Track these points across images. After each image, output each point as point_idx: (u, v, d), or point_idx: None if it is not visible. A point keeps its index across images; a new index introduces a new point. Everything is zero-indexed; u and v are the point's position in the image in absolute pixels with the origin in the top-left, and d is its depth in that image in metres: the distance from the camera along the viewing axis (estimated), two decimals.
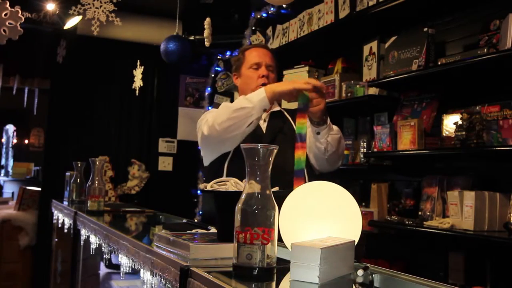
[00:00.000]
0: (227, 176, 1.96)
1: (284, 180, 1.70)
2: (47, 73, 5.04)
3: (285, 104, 2.27)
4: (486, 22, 2.37)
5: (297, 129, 1.74)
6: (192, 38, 4.49)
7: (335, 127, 2.04)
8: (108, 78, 4.94)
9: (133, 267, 1.52)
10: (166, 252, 1.25)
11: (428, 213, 2.62)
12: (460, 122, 2.37)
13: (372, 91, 3.00)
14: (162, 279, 1.23)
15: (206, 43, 3.83)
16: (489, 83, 2.52)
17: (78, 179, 3.07)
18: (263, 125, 2.10)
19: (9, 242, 4.45)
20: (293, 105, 2.28)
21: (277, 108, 2.18)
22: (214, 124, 1.90)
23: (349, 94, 3.12)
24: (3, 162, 7.81)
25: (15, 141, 7.83)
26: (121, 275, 1.63)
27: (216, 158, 2.05)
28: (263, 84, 2.07)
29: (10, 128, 7.84)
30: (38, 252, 4.46)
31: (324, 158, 2.01)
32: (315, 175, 2.06)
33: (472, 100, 2.47)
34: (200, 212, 4.89)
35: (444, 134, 2.58)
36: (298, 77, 3.60)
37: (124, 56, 4.81)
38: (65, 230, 2.82)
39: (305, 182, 1.99)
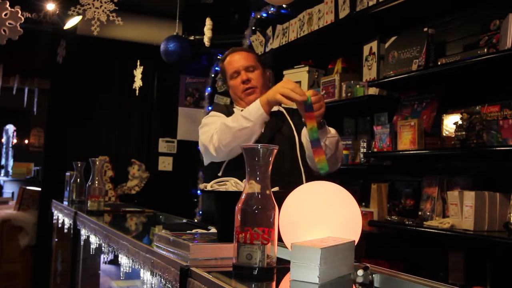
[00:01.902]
0: (223, 175, 1.96)
1: (281, 180, 1.70)
2: (47, 73, 5.04)
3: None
4: (486, 22, 2.37)
5: (310, 136, 1.74)
6: (192, 38, 4.49)
7: (332, 130, 2.02)
8: (108, 78, 4.93)
9: (133, 267, 1.52)
10: (166, 252, 1.25)
11: (428, 213, 2.62)
12: (460, 122, 2.37)
13: (372, 91, 3.00)
14: (162, 279, 1.23)
15: (206, 43, 3.83)
16: (489, 83, 2.52)
17: (78, 179, 3.07)
18: None
19: (9, 242, 4.45)
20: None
21: (275, 108, 2.17)
22: (220, 146, 1.93)
23: (349, 94, 3.12)
24: (3, 162, 7.81)
25: (15, 141, 7.84)
26: (121, 275, 1.63)
27: None
28: (248, 89, 2.09)
29: (10, 128, 7.85)
30: (38, 252, 4.46)
31: None
32: (314, 176, 2.06)
33: (472, 100, 2.47)
34: (200, 212, 4.89)
35: (444, 134, 2.58)
36: (298, 77, 3.60)
37: (124, 56, 4.81)
38: (65, 230, 2.82)
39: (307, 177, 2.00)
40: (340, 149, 2.07)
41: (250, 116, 1.88)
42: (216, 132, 1.95)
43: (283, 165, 1.97)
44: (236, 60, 2.13)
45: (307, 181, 1.96)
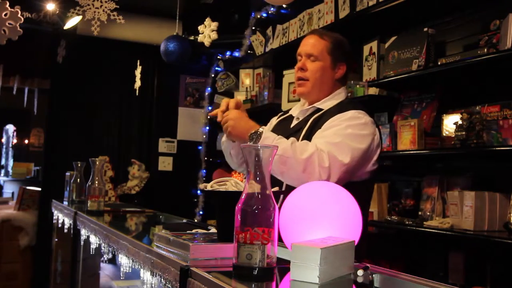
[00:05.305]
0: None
1: (280, 182, 1.70)
2: (47, 73, 5.04)
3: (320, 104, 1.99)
4: (486, 22, 2.37)
5: None
6: (192, 38, 4.48)
7: (281, 146, 1.63)
8: (108, 78, 4.93)
9: (133, 267, 1.52)
10: (166, 252, 1.25)
11: (428, 213, 2.62)
12: (460, 122, 2.37)
13: (372, 91, 2.99)
14: (162, 279, 1.23)
15: (206, 43, 3.82)
16: (489, 83, 2.52)
17: (78, 179, 3.07)
18: (294, 122, 2.01)
19: (9, 242, 4.45)
20: (327, 105, 2.03)
21: (297, 112, 2.05)
22: None
23: (349, 94, 3.11)
24: (3, 162, 7.81)
25: (15, 141, 7.83)
26: (121, 275, 1.63)
27: None
28: (299, 79, 1.98)
29: (10, 128, 7.84)
30: (38, 252, 4.46)
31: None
32: None
33: (472, 100, 2.47)
34: (200, 212, 4.89)
35: (444, 134, 2.58)
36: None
37: (124, 56, 4.81)
38: (65, 230, 2.82)
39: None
40: (292, 166, 1.62)
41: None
42: None
43: None
44: (304, 43, 1.97)
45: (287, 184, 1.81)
